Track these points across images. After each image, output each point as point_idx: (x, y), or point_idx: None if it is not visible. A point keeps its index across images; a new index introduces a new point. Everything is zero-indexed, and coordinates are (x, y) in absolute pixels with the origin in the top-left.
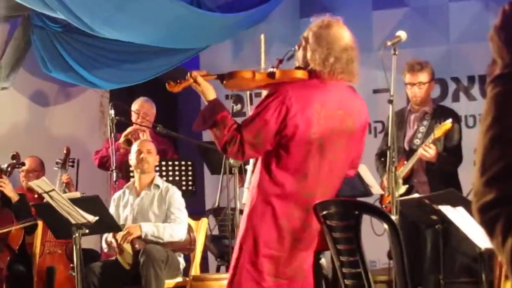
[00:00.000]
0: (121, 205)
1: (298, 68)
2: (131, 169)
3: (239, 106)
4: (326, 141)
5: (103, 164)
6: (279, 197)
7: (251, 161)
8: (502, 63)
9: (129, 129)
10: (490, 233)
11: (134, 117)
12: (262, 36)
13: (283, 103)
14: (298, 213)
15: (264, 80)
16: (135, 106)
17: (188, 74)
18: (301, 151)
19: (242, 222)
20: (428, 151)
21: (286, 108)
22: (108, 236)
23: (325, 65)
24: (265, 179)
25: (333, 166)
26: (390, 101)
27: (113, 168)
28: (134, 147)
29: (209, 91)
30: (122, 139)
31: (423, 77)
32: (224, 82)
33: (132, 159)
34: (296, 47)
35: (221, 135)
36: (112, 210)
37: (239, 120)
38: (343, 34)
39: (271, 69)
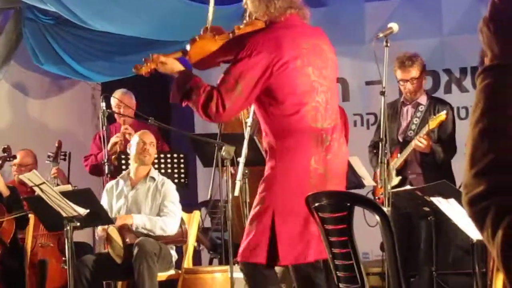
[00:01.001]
0: (115, 195)
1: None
2: (123, 162)
3: None
4: (314, 67)
5: (95, 172)
6: (293, 139)
7: (243, 153)
8: (491, 54)
9: (114, 139)
10: (480, 225)
11: (115, 110)
12: None
13: (258, 51)
14: (316, 148)
15: (225, 35)
16: (114, 99)
17: (150, 56)
18: (295, 87)
19: (261, 191)
20: (422, 142)
21: (264, 57)
22: (99, 228)
23: (269, 7)
24: (273, 132)
25: (327, 88)
26: (382, 93)
27: (105, 160)
28: (136, 138)
29: (176, 64)
30: (111, 150)
31: (415, 72)
32: (189, 54)
33: (133, 149)
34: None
35: (197, 98)
36: (104, 199)
37: None
38: None
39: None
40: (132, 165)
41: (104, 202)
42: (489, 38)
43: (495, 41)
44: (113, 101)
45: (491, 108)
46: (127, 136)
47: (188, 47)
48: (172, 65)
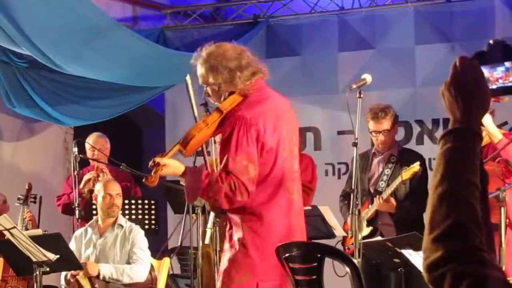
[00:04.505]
0: (83, 243)
1: (230, 94)
2: (94, 207)
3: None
4: (285, 136)
5: (67, 211)
6: (266, 205)
7: None
8: (452, 118)
9: (88, 176)
10: None
11: (89, 153)
12: (188, 78)
13: (250, 128)
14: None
15: (215, 119)
16: (89, 142)
17: (152, 163)
18: (273, 157)
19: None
20: (382, 205)
21: (256, 131)
22: (68, 274)
23: (236, 84)
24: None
25: (291, 152)
26: (355, 144)
27: (76, 205)
28: (101, 190)
29: (178, 166)
30: (84, 188)
31: (387, 123)
32: (186, 149)
33: (100, 202)
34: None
35: (217, 190)
36: (73, 246)
37: None
38: (225, 47)
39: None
40: (100, 214)
41: (72, 248)
42: (450, 102)
43: (456, 105)
44: (87, 145)
45: (450, 173)
46: (100, 175)
47: (183, 143)
48: (174, 166)
